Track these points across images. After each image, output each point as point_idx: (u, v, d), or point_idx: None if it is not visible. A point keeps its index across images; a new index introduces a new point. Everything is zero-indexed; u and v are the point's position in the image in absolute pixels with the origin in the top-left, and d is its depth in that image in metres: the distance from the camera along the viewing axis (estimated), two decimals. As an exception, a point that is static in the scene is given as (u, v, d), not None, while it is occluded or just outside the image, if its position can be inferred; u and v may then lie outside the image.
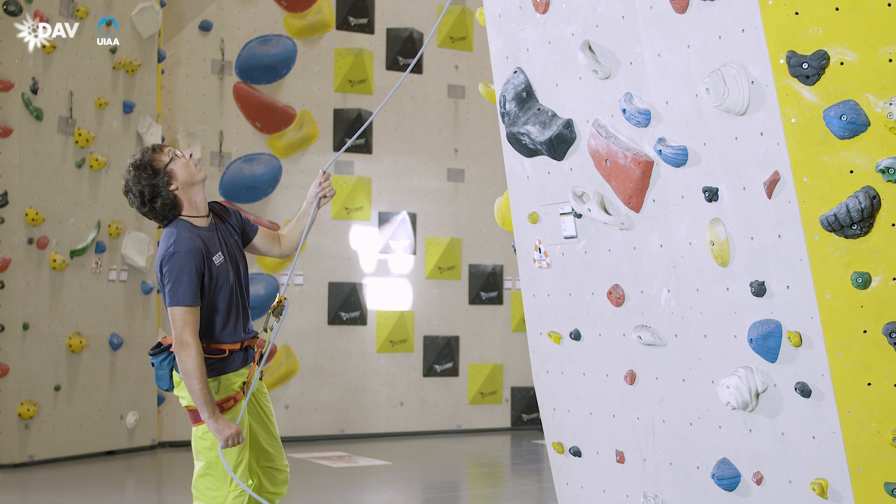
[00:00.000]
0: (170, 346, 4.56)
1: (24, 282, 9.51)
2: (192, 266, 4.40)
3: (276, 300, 4.81)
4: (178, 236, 4.45)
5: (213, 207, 4.74)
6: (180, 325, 4.38)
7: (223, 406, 4.53)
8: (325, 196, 4.86)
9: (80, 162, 9.97)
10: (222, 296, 4.53)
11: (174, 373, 4.60)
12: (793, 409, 3.95)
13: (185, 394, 4.55)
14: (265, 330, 4.78)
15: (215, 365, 4.53)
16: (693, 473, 4.43)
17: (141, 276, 10.57)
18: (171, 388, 4.63)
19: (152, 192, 4.46)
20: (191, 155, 4.56)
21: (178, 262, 4.40)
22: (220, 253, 4.53)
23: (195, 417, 4.52)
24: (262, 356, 4.71)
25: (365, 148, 12.00)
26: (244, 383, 4.63)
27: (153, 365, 4.64)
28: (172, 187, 4.47)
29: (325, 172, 4.86)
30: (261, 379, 4.78)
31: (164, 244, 4.47)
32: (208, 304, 4.52)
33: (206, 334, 4.54)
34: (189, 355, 4.37)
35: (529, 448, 11.40)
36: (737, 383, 4.05)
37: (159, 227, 4.57)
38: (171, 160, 4.49)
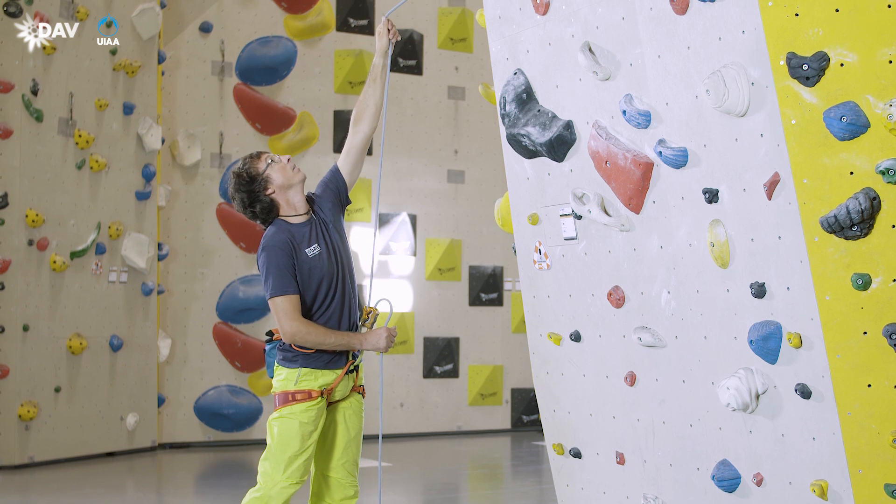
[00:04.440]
0: (278, 335, 4.74)
1: (25, 283, 9.50)
2: (280, 257, 4.61)
3: (365, 311, 4.89)
4: (267, 233, 4.71)
5: (309, 199, 4.87)
6: (281, 314, 4.58)
7: (295, 396, 4.61)
8: (395, 42, 5.05)
9: (81, 163, 9.96)
10: (321, 288, 4.67)
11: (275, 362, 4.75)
12: (793, 411, 3.95)
13: (274, 380, 4.71)
14: None
15: (298, 358, 4.63)
16: (693, 475, 4.43)
17: (141, 278, 10.57)
18: (272, 375, 4.77)
19: (251, 197, 4.72)
20: (288, 159, 4.78)
21: (266, 257, 4.64)
22: (315, 245, 4.71)
23: (275, 402, 4.68)
24: (355, 367, 4.77)
25: (365, 149, 11.98)
26: (327, 387, 4.65)
27: (264, 351, 4.87)
28: (269, 191, 4.72)
29: (388, 20, 5.04)
30: (361, 394, 4.84)
31: (260, 244, 4.73)
32: (302, 295, 4.65)
33: None
34: (301, 335, 4.55)
35: (529, 449, 11.39)
36: (737, 385, 4.05)
37: (263, 229, 4.85)
38: (267, 166, 4.73)
